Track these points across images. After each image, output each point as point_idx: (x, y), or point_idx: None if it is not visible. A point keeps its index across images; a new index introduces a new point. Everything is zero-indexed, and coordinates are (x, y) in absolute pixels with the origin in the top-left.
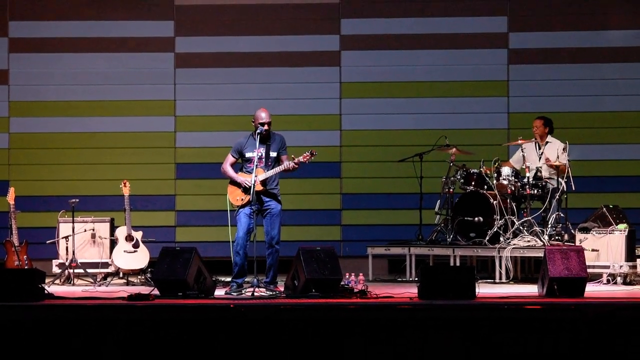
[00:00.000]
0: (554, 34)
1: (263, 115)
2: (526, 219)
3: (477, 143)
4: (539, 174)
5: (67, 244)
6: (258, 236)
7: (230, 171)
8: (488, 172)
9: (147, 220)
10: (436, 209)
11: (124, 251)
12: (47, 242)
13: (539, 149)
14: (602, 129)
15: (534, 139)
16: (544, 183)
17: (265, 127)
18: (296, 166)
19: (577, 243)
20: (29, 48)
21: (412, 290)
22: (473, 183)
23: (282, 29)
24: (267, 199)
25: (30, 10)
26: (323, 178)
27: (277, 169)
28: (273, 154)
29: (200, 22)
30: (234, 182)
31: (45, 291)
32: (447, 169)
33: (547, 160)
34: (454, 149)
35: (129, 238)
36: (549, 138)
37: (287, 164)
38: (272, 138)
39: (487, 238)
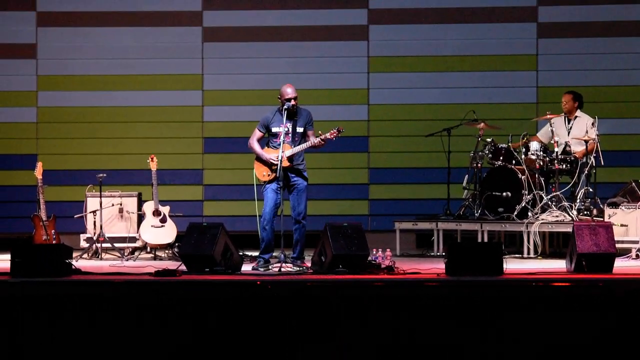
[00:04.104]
0: (583, 7)
1: (289, 91)
2: (555, 193)
3: (506, 117)
4: (567, 148)
5: (94, 218)
6: (285, 211)
7: (256, 147)
8: (516, 147)
9: (175, 194)
10: (464, 184)
11: (152, 226)
12: (75, 216)
13: (568, 123)
14: (632, 102)
15: (562, 114)
16: (572, 158)
17: (293, 102)
18: (322, 143)
19: (606, 218)
20: (57, 22)
21: (439, 266)
22: (501, 158)
23: (310, 2)
24: (294, 175)
25: None
26: (351, 152)
27: (304, 146)
28: (300, 129)
29: None
30: (260, 159)
31: (73, 266)
32: (475, 143)
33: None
34: (482, 124)
35: (156, 213)
36: (578, 112)
37: (313, 140)
38: (299, 113)
39: (515, 213)
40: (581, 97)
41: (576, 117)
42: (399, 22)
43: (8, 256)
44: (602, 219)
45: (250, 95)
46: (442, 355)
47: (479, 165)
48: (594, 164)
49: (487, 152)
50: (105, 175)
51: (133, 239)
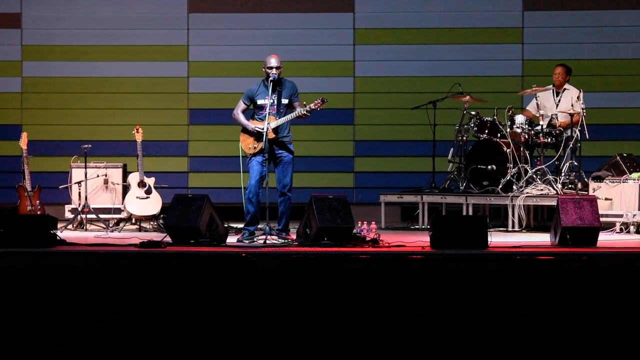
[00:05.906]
0: None
1: (272, 61)
2: (539, 167)
3: (491, 90)
4: (553, 121)
5: (79, 189)
6: (270, 183)
7: (241, 118)
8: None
9: (160, 166)
10: (449, 157)
11: (137, 197)
12: (60, 187)
13: (557, 95)
14: (617, 76)
15: (551, 86)
16: (557, 131)
17: (274, 71)
18: (308, 113)
19: (591, 192)
20: None
21: (424, 239)
22: (486, 131)
23: None
24: (280, 147)
25: None
26: (336, 125)
27: (289, 117)
28: (285, 101)
29: None
30: (246, 130)
31: (57, 237)
32: (460, 116)
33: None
34: (467, 97)
35: (141, 184)
36: (567, 85)
37: (298, 110)
38: (284, 84)
39: (500, 186)
40: (571, 70)
41: (565, 89)
42: None
43: None
44: (586, 193)
45: (235, 66)
46: (427, 327)
47: (464, 138)
48: (579, 138)
49: (472, 125)
50: (90, 146)
51: (118, 210)
